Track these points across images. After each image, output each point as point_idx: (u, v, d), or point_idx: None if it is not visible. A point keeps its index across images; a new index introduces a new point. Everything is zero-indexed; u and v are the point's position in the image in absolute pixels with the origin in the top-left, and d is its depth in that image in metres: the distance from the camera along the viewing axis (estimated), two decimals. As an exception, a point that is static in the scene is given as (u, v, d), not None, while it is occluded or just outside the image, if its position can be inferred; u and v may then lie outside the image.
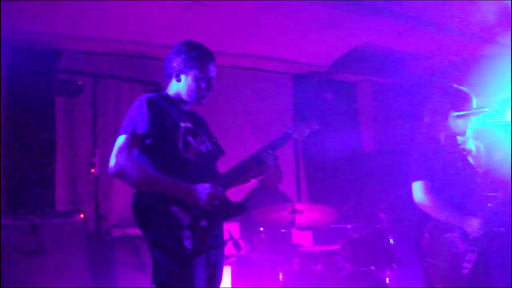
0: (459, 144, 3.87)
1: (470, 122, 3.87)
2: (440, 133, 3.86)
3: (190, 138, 3.00)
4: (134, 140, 2.85)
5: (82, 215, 5.00)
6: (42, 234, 4.69)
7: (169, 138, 2.93)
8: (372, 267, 4.80)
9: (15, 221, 4.62)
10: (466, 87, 3.95)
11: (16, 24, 5.11)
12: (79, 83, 5.59)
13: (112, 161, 2.81)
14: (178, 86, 3.09)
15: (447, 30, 5.94)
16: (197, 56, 3.06)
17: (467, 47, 6.31)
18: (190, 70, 3.05)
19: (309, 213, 4.88)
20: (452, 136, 3.86)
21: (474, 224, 3.64)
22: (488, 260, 3.73)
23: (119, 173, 2.79)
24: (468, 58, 6.47)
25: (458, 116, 3.83)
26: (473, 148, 3.93)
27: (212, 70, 3.10)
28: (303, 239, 5.83)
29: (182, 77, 3.07)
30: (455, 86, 3.95)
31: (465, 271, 3.65)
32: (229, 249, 4.83)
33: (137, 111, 2.92)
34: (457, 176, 3.78)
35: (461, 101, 3.85)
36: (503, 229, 3.68)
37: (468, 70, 6.18)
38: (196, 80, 3.06)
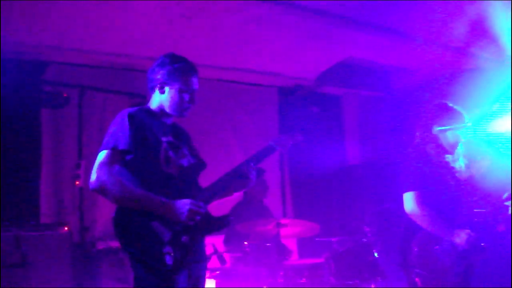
0: (448, 161, 3.92)
1: (459, 139, 3.93)
2: (430, 148, 3.92)
3: (171, 153, 3.01)
4: (115, 156, 2.85)
5: (66, 228, 4.98)
6: (26, 246, 4.66)
7: (150, 154, 2.93)
8: (357, 281, 4.82)
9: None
10: (457, 104, 4.01)
11: (2, 35, 5.11)
12: (65, 95, 5.59)
13: (93, 177, 2.80)
14: (162, 98, 3.09)
15: (432, 44, 6.01)
16: (181, 68, 3.07)
17: (451, 61, 6.38)
18: (174, 82, 3.06)
19: (293, 227, 4.89)
20: (442, 152, 3.91)
21: (462, 237, 3.67)
22: (473, 275, 3.77)
23: (100, 188, 2.79)
24: (452, 72, 6.54)
25: (441, 131, 3.88)
26: (463, 166, 3.98)
27: (195, 83, 3.12)
28: (288, 253, 5.83)
29: (166, 89, 3.07)
30: (447, 102, 4.01)
31: (452, 285, 3.70)
32: (213, 262, 4.83)
33: (118, 126, 2.91)
34: (446, 189, 3.83)
35: (451, 118, 3.91)
36: (487, 245, 3.72)
37: (452, 84, 6.26)
38: (180, 92, 3.06)
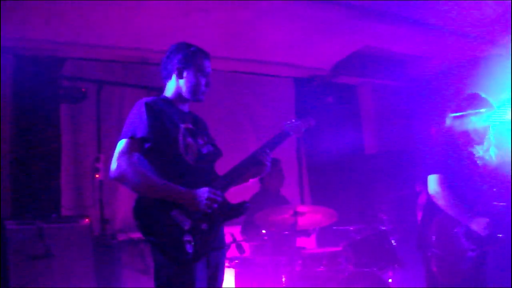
0: (475, 150, 3.96)
1: (485, 127, 3.96)
2: (458, 135, 3.96)
3: (190, 139, 3.05)
4: (134, 144, 2.90)
5: (87, 220, 5.06)
6: (48, 238, 4.75)
7: (169, 141, 2.97)
8: (374, 268, 4.84)
9: (21, 226, 4.69)
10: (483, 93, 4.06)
11: (20, 33, 5.19)
12: (83, 89, 5.65)
13: (113, 166, 2.85)
14: (179, 83, 3.14)
15: (447, 32, 5.99)
16: (196, 51, 3.15)
17: (467, 49, 6.35)
18: (191, 64, 3.12)
19: (311, 215, 4.92)
20: (470, 140, 3.95)
21: (480, 224, 3.72)
22: (485, 263, 3.80)
23: (120, 177, 2.84)
24: (468, 60, 6.51)
25: (456, 117, 3.91)
26: (493, 156, 4.01)
27: (209, 66, 3.19)
28: (306, 241, 5.86)
29: (184, 72, 3.13)
30: (478, 92, 4.06)
31: (464, 267, 3.73)
32: (232, 251, 4.88)
33: (136, 115, 2.97)
34: (470, 177, 3.89)
35: (481, 107, 3.95)
36: (503, 236, 3.75)
37: (468, 71, 6.23)
38: (197, 75, 3.12)
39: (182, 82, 3.13)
